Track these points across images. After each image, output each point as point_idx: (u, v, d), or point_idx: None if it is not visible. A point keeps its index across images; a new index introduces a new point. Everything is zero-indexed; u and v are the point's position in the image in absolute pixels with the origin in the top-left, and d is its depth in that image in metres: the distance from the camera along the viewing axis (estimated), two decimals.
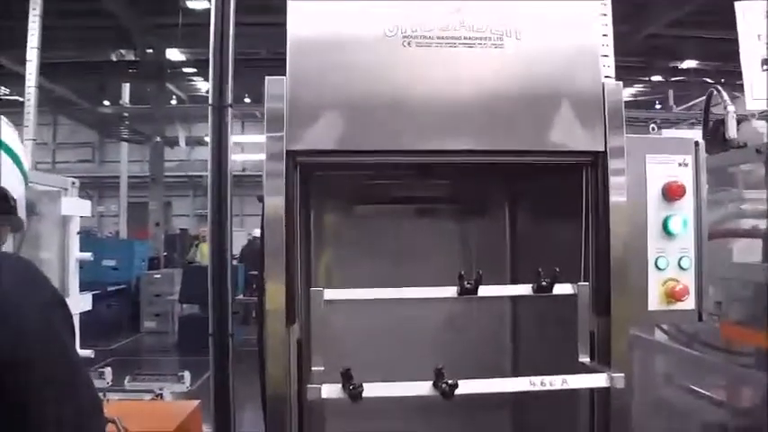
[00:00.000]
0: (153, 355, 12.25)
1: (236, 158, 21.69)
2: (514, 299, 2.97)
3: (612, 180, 2.14)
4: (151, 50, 16.52)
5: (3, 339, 1.27)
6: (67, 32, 13.37)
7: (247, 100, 20.10)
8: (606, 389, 2.01)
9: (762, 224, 3.34)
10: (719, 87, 3.89)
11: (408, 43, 2.09)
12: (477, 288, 2.03)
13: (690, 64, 17.67)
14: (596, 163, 2.17)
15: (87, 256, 4.00)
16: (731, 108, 3.63)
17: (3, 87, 19.17)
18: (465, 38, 2.14)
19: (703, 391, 4.37)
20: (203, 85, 19.79)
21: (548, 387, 1.87)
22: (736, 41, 3.89)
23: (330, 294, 2.01)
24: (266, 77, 2.02)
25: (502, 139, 2.13)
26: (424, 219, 3.03)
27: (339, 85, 2.05)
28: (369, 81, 2.07)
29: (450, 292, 2.06)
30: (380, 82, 2.07)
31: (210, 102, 3.63)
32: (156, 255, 16.56)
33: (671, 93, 19.68)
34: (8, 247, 1.86)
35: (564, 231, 2.52)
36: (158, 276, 14.28)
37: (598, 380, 1.94)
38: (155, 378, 5.58)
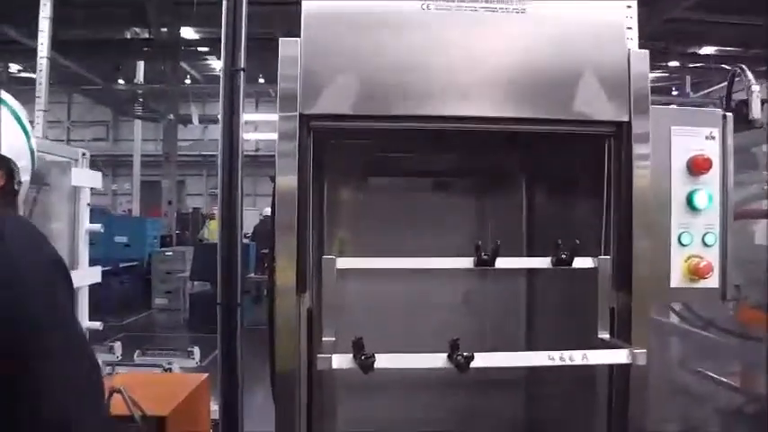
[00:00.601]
0: (164, 331, 12.29)
1: (249, 137, 21.69)
2: (531, 273, 2.90)
3: (636, 152, 2.06)
4: (165, 29, 16.43)
5: (13, 298, 1.26)
6: (83, 11, 13.34)
7: (261, 81, 20.01)
8: (626, 366, 1.94)
9: None
10: (743, 67, 3.79)
11: (428, 6, 2.02)
12: (494, 259, 1.97)
13: (708, 50, 17.40)
14: (620, 134, 2.09)
15: (97, 227, 3.96)
16: (756, 87, 3.53)
17: (18, 65, 19.22)
18: (486, 1, 2.06)
19: (717, 376, 4.30)
20: (217, 64, 19.68)
21: (567, 362, 1.81)
22: (756, 27, 3.78)
23: (343, 263, 1.95)
24: (280, 39, 1.96)
25: (522, 107, 2.05)
26: (440, 192, 2.97)
27: (354, 49, 1.98)
28: (386, 45, 1.99)
29: (467, 263, 2.00)
30: (398, 46, 2.00)
31: (222, 65, 3.50)
32: (169, 233, 16.59)
33: (688, 79, 19.41)
34: None
35: (583, 205, 2.46)
36: (170, 254, 14.31)
37: (619, 356, 1.88)
38: (164, 353, 5.58)
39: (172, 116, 18.63)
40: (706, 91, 18.71)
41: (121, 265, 13.70)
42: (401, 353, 1.88)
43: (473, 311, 2.92)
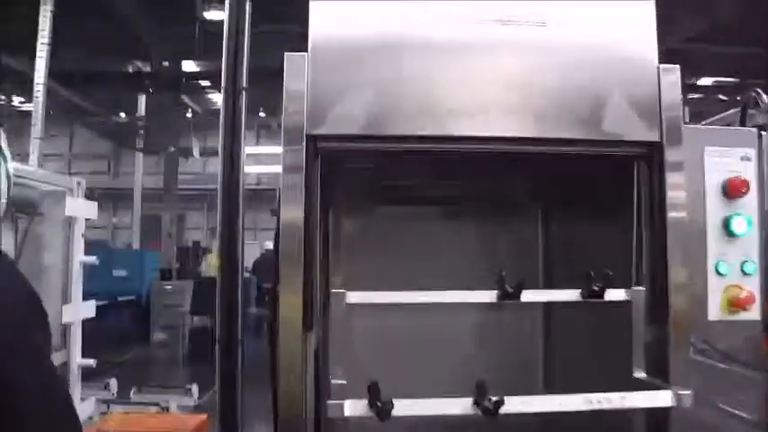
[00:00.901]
0: (163, 366, 12.03)
1: (250, 170, 21.61)
2: (547, 304, 2.72)
3: (670, 174, 1.90)
4: (167, 63, 16.42)
5: None
6: (85, 43, 13.32)
7: (262, 114, 19.98)
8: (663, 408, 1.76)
9: None
10: (759, 91, 3.67)
11: (444, 20, 1.88)
12: (519, 292, 1.80)
13: (705, 81, 17.37)
14: (651, 155, 1.93)
15: (92, 259, 3.80)
16: None
17: (21, 97, 19.22)
18: (504, 15, 1.92)
19: (734, 410, 4.09)
20: (219, 98, 19.59)
21: (605, 406, 1.63)
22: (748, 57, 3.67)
23: (354, 297, 1.77)
24: (286, 54, 1.81)
25: (544, 127, 1.90)
26: (452, 221, 2.80)
27: (366, 64, 1.84)
28: (400, 60, 1.84)
29: (489, 296, 1.83)
30: (411, 61, 1.85)
31: (223, 85, 3.31)
32: (169, 266, 16.39)
33: (686, 110, 19.37)
34: (8, 247, 1.70)
35: (606, 233, 2.30)
36: (169, 288, 14.08)
37: (662, 398, 1.69)
38: (161, 390, 5.38)
39: (173, 148, 18.56)
40: (708, 120, 18.63)
41: (120, 299, 13.48)
42: (417, 394, 1.70)
43: (488, 346, 2.74)
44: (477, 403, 1.59)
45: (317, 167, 1.81)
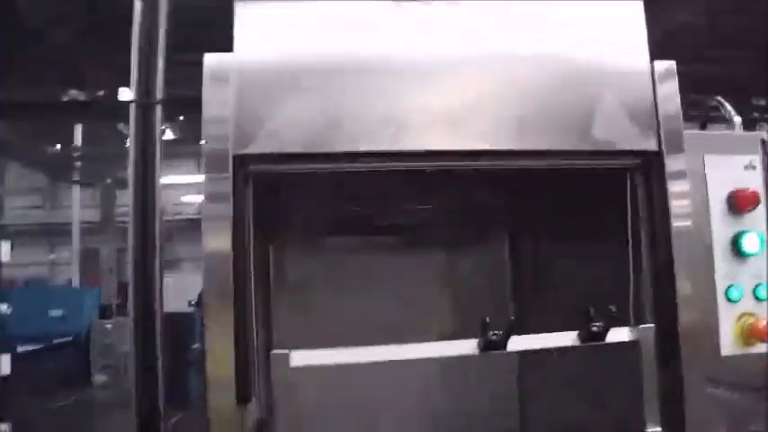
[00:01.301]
0: (105, 411, 11.30)
1: (190, 200, 21.02)
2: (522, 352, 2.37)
3: (673, 188, 1.60)
4: (102, 92, 15.78)
5: None
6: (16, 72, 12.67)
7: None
8: None
9: None
10: (721, 99, 3.48)
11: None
12: (506, 341, 1.46)
13: None
14: (648, 166, 1.64)
15: (2, 308, 3.32)
16: (738, 119, 3.21)
17: None
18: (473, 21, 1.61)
19: None
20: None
21: None
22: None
23: (299, 359, 1.40)
24: (205, 54, 1.45)
25: (523, 138, 1.59)
26: (410, 252, 2.44)
27: (308, 59, 1.48)
28: (348, 56, 1.50)
29: (468, 347, 1.48)
30: (364, 56, 1.51)
31: (134, 97, 2.80)
32: (109, 303, 15.58)
33: None
34: None
35: (587, 261, 2.00)
36: (110, 326, 13.30)
37: None
38: None
39: (109, 180, 17.84)
40: None
41: (57, 341, 12.67)
42: None
43: (458, 401, 2.37)
44: None
45: (248, 196, 1.44)
